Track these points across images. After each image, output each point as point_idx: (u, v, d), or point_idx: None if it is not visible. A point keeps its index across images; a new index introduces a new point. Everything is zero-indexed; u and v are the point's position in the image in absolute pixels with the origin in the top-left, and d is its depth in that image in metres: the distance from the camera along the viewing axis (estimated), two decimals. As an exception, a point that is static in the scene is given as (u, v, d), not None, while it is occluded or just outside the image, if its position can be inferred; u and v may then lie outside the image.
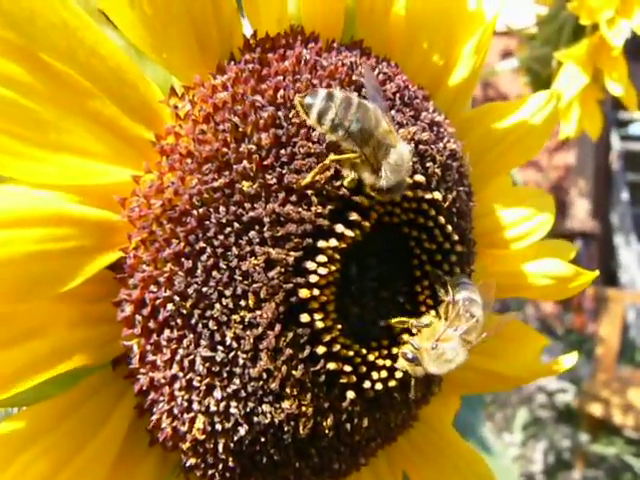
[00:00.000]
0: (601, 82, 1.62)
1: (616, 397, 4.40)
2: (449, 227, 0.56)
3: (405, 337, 0.55)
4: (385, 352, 0.54)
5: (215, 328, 0.47)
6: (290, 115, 0.49)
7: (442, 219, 0.56)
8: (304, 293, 0.47)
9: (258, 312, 0.47)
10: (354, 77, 0.53)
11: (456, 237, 0.57)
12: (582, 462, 4.23)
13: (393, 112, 0.55)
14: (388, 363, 0.54)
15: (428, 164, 0.55)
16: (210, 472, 0.53)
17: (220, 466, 0.52)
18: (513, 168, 0.76)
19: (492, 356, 0.73)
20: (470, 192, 0.63)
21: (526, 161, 0.75)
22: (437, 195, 0.55)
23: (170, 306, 0.47)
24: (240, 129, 0.48)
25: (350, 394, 0.51)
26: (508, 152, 0.71)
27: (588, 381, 4.67)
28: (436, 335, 0.53)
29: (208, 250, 0.46)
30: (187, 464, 0.52)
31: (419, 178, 0.54)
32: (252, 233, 0.47)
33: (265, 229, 0.47)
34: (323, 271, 0.48)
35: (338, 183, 0.49)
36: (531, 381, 0.78)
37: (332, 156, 0.48)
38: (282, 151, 0.48)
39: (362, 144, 0.49)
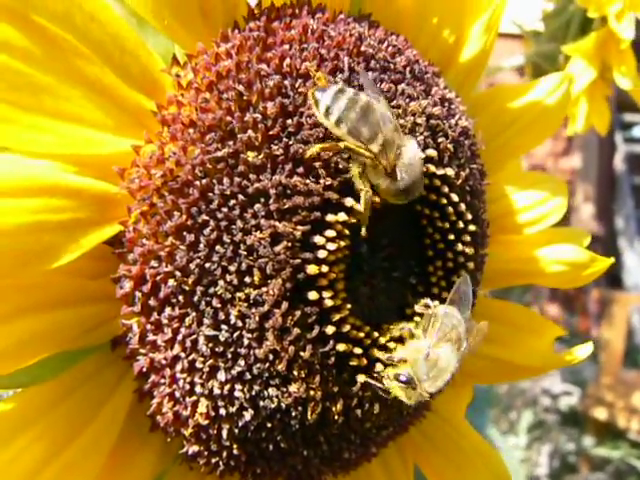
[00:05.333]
0: (608, 78, 1.60)
1: (621, 400, 4.37)
2: (462, 205, 0.54)
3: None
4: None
5: (219, 306, 0.45)
6: (297, 84, 0.47)
7: (455, 197, 0.53)
8: (312, 269, 0.45)
9: (264, 289, 0.44)
10: (362, 48, 0.51)
11: (469, 216, 0.55)
12: (587, 465, 4.19)
13: (404, 85, 0.53)
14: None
15: (440, 139, 0.53)
16: (214, 460, 0.50)
17: (224, 454, 0.49)
18: (527, 151, 0.74)
19: (505, 345, 0.71)
20: (483, 171, 0.61)
21: (540, 144, 0.73)
22: (449, 171, 0.53)
23: (171, 282, 0.44)
24: (245, 98, 0.46)
25: (361, 378, 0.49)
26: (521, 134, 0.69)
27: (593, 384, 4.63)
28: (423, 346, 0.49)
29: (211, 223, 0.44)
30: (189, 452, 0.50)
31: (431, 152, 0.51)
32: (257, 206, 0.44)
33: (271, 201, 0.44)
34: (332, 246, 0.45)
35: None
36: (545, 372, 0.75)
37: (346, 143, 0.46)
38: (289, 121, 0.46)
39: (368, 141, 0.46)
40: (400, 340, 0.50)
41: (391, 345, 0.50)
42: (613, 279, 5.86)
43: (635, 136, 6.34)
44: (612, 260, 0.72)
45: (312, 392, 0.47)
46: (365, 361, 0.49)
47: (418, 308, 0.52)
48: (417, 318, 0.52)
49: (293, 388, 0.47)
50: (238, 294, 0.45)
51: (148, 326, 0.46)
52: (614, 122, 5.73)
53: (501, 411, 3.94)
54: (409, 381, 0.47)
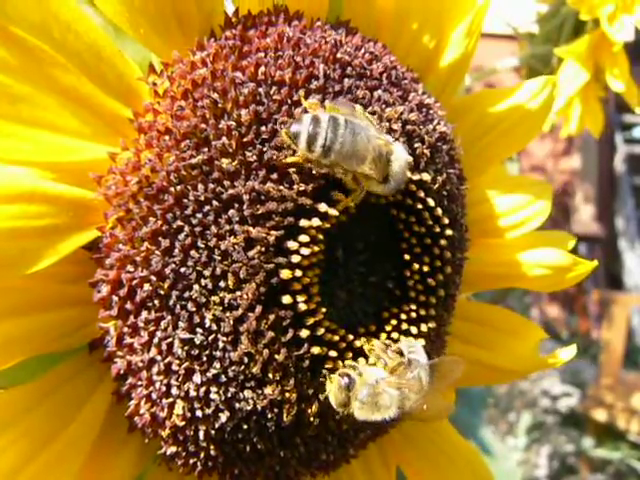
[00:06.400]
0: (602, 80, 1.61)
1: (620, 402, 4.36)
2: (439, 210, 0.55)
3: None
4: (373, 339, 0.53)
5: (194, 310, 0.45)
6: (271, 92, 0.48)
7: (431, 201, 0.54)
8: (286, 274, 0.46)
9: (238, 293, 0.45)
10: (338, 55, 0.52)
11: (446, 220, 0.55)
12: (587, 467, 4.19)
13: (380, 92, 0.53)
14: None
15: (416, 145, 0.54)
16: (192, 461, 0.51)
17: (202, 455, 0.50)
18: (509, 155, 0.74)
19: (489, 349, 0.71)
20: (462, 176, 0.61)
21: (522, 148, 0.74)
22: (425, 176, 0.53)
23: (147, 286, 0.45)
24: (219, 105, 0.47)
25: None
26: (503, 138, 0.70)
27: (592, 385, 4.63)
28: (378, 376, 0.49)
29: (186, 229, 0.45)
30: (167, 452, 0.51)
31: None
32: (231, 211, 0.45)
33: (245, 207, 0.45)
34: (306, 251, 0.46)
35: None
36: (529, 374, 0.76)
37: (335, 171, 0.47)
38: (263, 128, 0.47)
39: (359, 163, 0.47)
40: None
41: (367, 349, 0.51)
42: (613, 280, 5.86)
43: (635, 137, 6.34)
44: (595, 263, 0.72)
45: (287, 394, 0.48)
46: (340, 364, 0.49)
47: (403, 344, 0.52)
48: (391, 349, 0.52)
49: (268, 390, 0.47)
50: (213, 298, 0.45)
51: (125, 329, 0.47)
52: (614, 123, 5.74)
53: (500, 412, 3.94)
54: (348, 386, 0.48)
